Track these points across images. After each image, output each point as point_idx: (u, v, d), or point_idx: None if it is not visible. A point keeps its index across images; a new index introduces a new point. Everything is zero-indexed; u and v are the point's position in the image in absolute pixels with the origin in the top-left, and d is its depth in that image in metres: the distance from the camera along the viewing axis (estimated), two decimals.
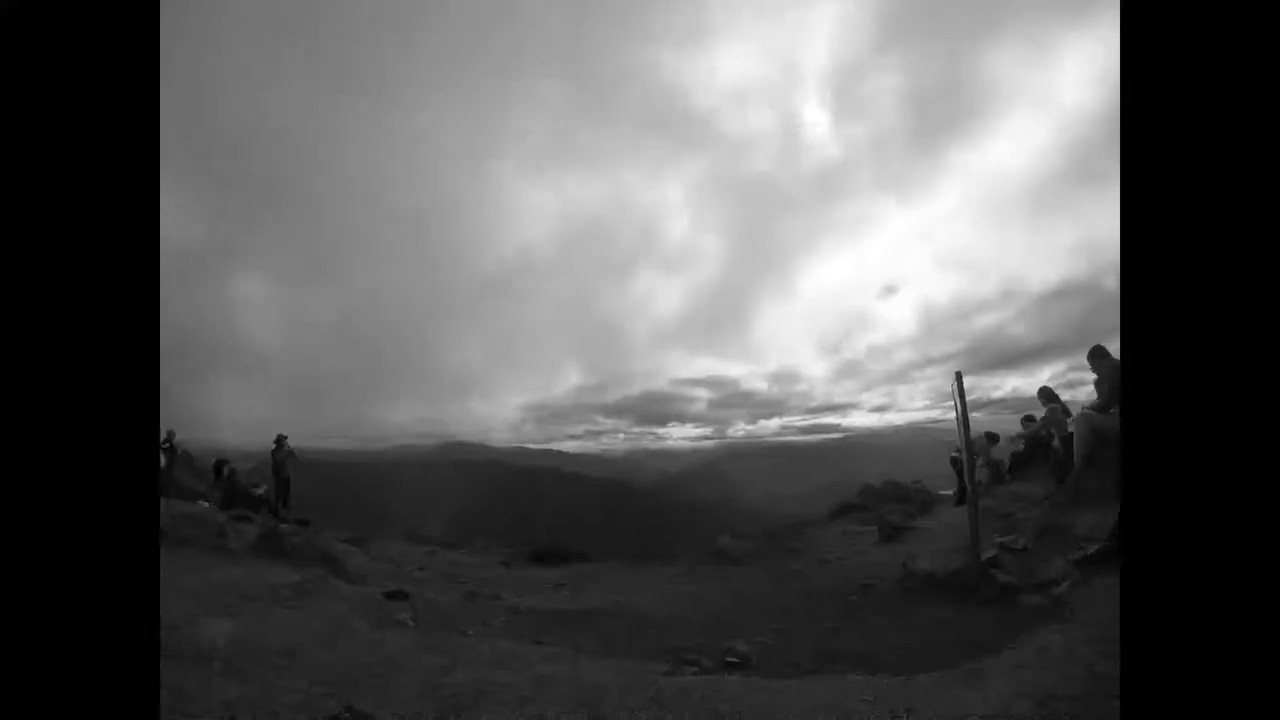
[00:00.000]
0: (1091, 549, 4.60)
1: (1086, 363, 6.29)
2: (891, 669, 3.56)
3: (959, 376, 5.56)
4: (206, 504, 10.19)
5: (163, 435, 12.43)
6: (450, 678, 3.34)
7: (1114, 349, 5.84)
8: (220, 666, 3.24)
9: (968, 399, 5.66)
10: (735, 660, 3.94)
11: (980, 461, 8.12)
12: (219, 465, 11.54)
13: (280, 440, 12.46)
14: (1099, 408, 6.49)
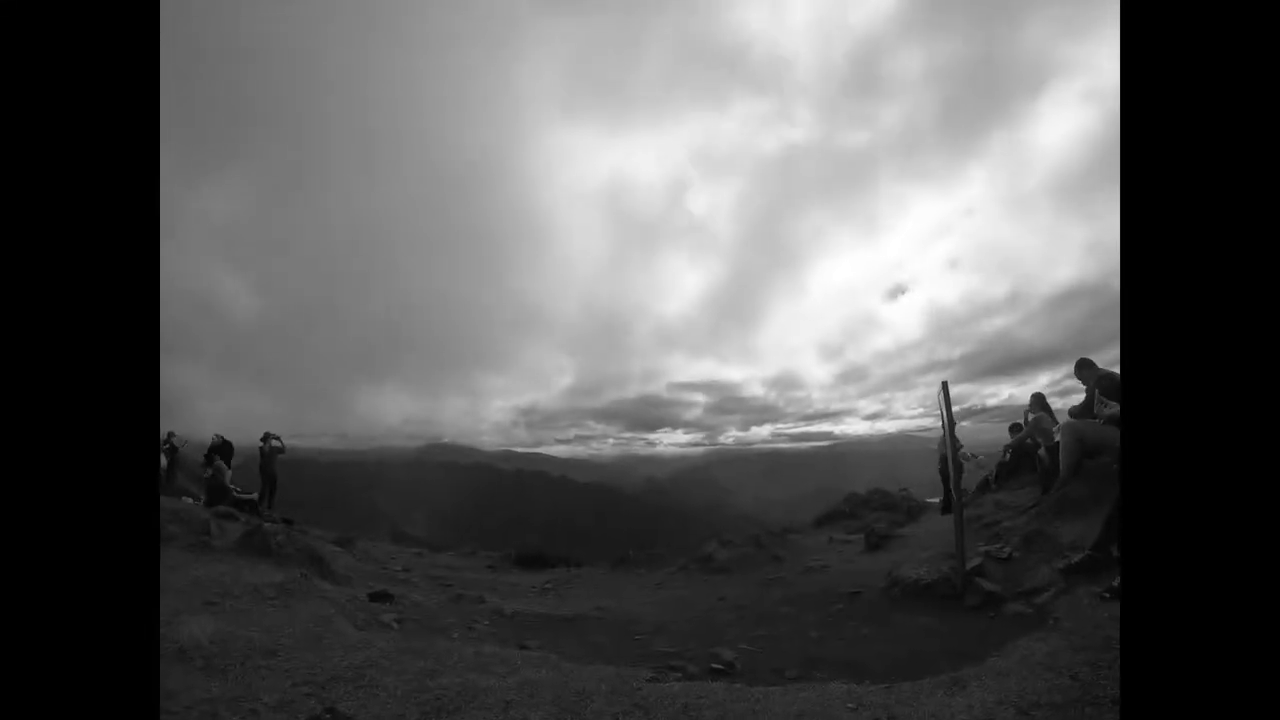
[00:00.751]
0: (1076, 558, 4.65)
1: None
2: (875, 677, 3.58)
3: (945, 386, 5.60)
4: (191, 500, 10.08)
5: (162, 435, 12.30)
6: (434, 681, 3.32)
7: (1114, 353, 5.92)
8: (201, 664, 3.21)
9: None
10: (719, 667, 3.94)
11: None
12: (210, 457, 11.38)
13: (267, 437, 12.35)
14: (1081, 413, 6.57)
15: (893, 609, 5.06)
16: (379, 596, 5.74)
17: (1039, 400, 8.99)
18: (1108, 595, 3.92)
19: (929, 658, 3.84)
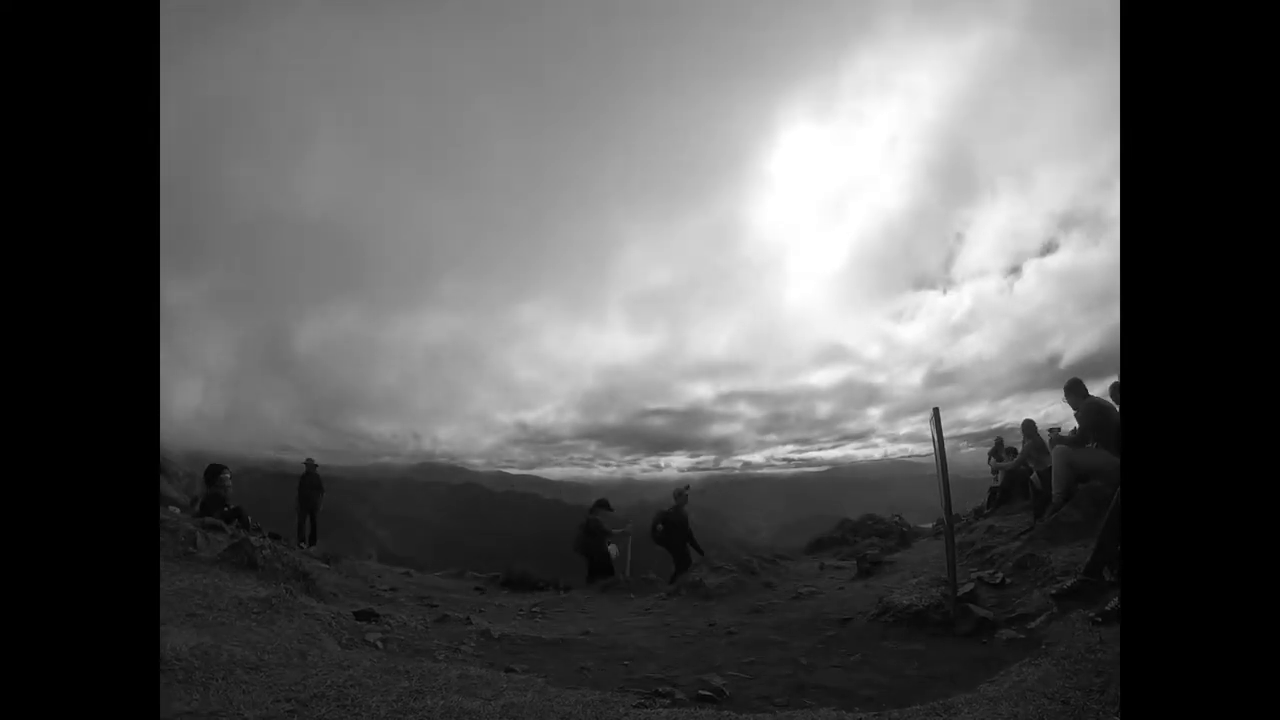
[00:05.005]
0: (1069, 583, 4.64)
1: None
2: (864, 704, 3.54)
3: (936, 413, 5.60)
4: (178, 509, 9.85)
5: None
6: (418, 702, 3.26)
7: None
8: (182, 676, 3.14)
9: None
10: (708, 694, 3.88)
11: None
12: (211, 471, 11.13)
13: (310, 465, 12.35)
14: (1075, 442, 6.61)
15: (884, 635, 5.02)
16: (364, 615, 5.65)
17: (1029, 428, 9.09)
18: (1100, 620, 3.91)
19: (919, 684, 3.81)
